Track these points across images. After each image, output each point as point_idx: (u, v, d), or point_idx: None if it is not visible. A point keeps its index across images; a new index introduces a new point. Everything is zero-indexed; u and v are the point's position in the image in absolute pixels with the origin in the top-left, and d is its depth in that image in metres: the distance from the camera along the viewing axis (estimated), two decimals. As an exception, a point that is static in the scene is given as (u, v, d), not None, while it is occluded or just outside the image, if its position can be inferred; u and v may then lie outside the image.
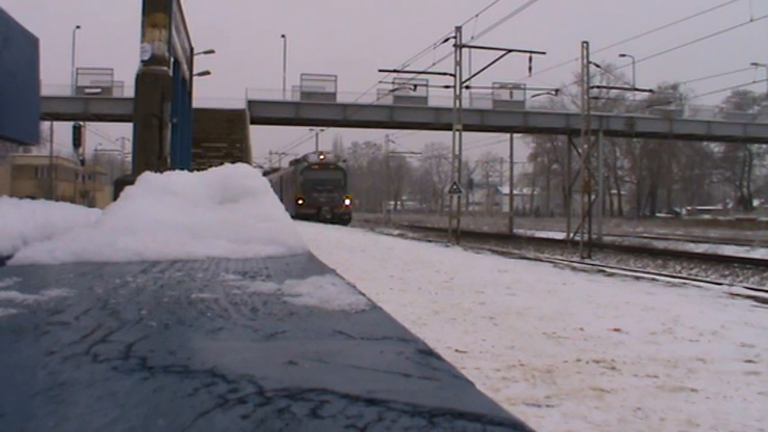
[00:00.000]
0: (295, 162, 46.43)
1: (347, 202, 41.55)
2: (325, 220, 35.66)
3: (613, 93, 53.07)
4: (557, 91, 38.02)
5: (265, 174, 57.42)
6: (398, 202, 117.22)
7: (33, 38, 5.16)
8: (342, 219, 38.91)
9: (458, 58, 28.41)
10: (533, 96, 41.69)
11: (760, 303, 4.76)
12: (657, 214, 74.95)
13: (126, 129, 57.48)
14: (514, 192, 58.36)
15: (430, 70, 30.64)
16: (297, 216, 32.56)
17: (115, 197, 3.96)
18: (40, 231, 2.89)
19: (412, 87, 37.41)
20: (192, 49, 10.92)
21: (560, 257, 19.86)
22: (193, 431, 0.62)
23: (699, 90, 64.18)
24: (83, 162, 51.80)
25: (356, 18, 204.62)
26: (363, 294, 1.56)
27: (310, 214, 37.17)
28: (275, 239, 2.97)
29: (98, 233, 2.71)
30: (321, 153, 43.36)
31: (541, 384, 2.50)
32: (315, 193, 39.85)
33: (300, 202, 39.38)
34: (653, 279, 6.59)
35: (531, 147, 79.19)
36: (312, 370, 0.86)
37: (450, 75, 29.35)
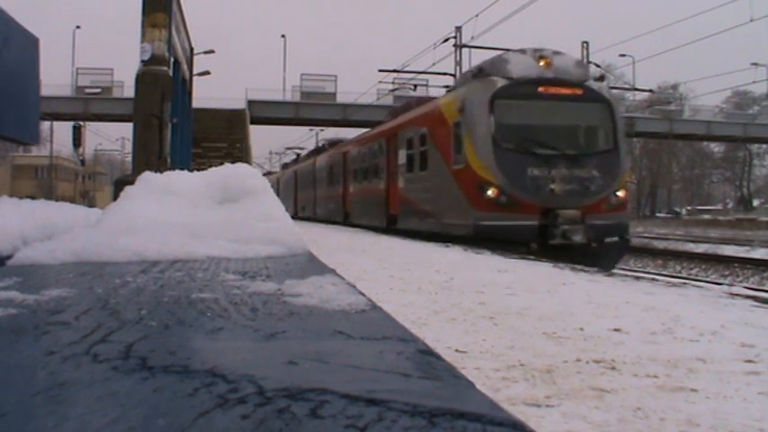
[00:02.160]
0: (415, 101, 18.25)
1: (621, 193, 12.68)
2: (567, 246, 11.56)
3: (613, 93, 53.05)
4: (557, 91, 37.78)
5: (318, 151, 30.64)
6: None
7: (33, 38, 5.16)
8: (603, 241, 12.21)
9: (458, 58, 28.43)
10: (534, 96, 41.49)
11: (760, 303, 4.76)
12: (657, 214, 74.92)
13: (126, 129, 57.50)
14: (514, 192, 58.06)
15: (430, 70, 30.64)
16: (477, 231, 11.83)
17: (115, 197, 3.97)
18: (40, 231, 2.89)
19: (412, 87, 37.36)
20: (191, 49, 10.92)
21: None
22: (193, 431, 0.62)
23: (699, 90, 64.27)
24: (83, 162, 51.80)
25: (356, 18, 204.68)
26: (363, 294, 1.56)
27: (518, 230, 11.50)
28: (275, 239, 2.97)
29: (98, 233, 2.71)
30: (542, 58, 12.77)
31: (541, 384, 2.50)
32: (534, 169, 11.95)
33: (491, 192, 11.80)
34: (653, 279, 6.59)
35: (532, 147, 78.93)
36: (312, 370, 0.86)
37: (451, 75, 29.35)
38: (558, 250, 11.13)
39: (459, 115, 12.67)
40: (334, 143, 28.70)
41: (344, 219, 22.02)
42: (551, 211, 11.63)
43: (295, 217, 28.68)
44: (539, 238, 11.50)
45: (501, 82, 12.34)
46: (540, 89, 12.31)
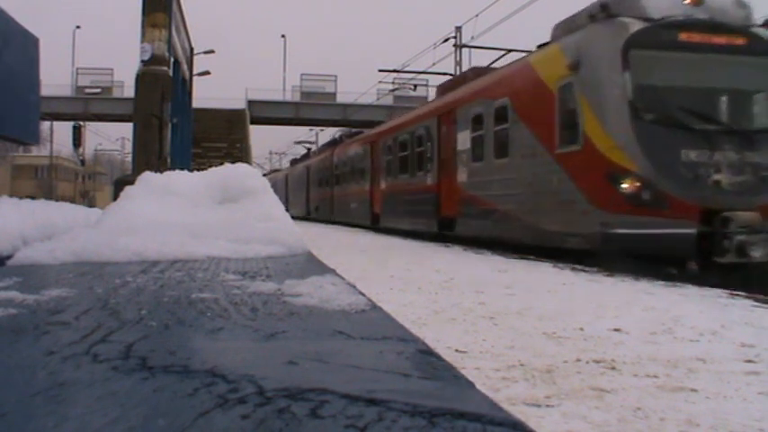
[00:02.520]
0: (472, 72, 14.21)
1: None
2: (741, 265, 7.17)
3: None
4: (558, 90, 37.54)
5: (335, 143, 25.40)
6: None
7: (33, 38, 5.17)
8: None
9: (458, 58, 28.41)
10: (534, 96, 41.32)
11: (760, 303, 4.76)
12: (657, 214, 74.87)
13: (126, 129, 57.55)
14: (514, 192, 57.91)
15: (430, 70, 30.62)
16: (606, 242, 7.76)
17: (115, 197, 3.97)
18: (40, 231, 2.90)
19: (412, 87, 37.34)
20: (191, 49, 10.94)
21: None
22: (193, 431, 0.62)
23: (699, 90, 64.07)
24: (83, 162, 51.82)
25: (356, 18, 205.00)
26: (363, 294, 1.56)
27: (669, 241, 7.37)
28: (275, 239, 2.97)
29: (98, 233, 2.71)
30: None
31: (541, 384, 2.50)
32: (690, 151, 7.64)
33: (628, 185, 7.61)
34: (653, 279, 6.60)
35: (531, 147, 78.93)
36: (312, 370, 0.86)
37: (451, 75, 29.36)
38: (728, 272, 7.23)
39: (571, 73, 8.58)
40: (352, 134, 24.43)
41: (373, 222, 18.05)
42: (716, 213, 7.48)
43: (308, 218, 27.51)
44: (698, 254, 7.51)
45: (636, 24, 8.17)
46: (689, 36, 8.26)
